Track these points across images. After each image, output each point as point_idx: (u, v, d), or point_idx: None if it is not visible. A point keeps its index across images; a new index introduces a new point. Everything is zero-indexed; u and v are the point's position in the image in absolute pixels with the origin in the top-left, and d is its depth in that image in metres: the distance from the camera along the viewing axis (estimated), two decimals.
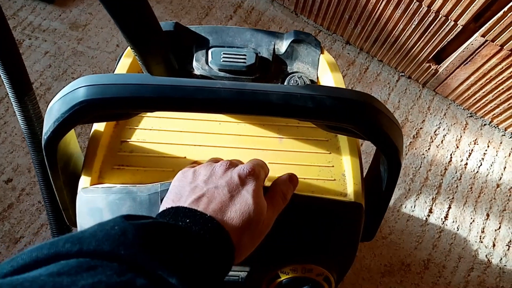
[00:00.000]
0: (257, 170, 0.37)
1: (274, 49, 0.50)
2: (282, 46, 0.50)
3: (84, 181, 0.44)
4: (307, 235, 0.42)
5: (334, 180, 0.46)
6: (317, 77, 0.50)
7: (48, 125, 0.38)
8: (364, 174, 0.50)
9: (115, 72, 0.48)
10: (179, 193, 0.35)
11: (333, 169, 0.47)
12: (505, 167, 1.17)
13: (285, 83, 0.49)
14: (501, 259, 1.07)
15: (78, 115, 0.36)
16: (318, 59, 0.50)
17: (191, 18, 1.30)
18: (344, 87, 0.49)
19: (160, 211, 0.34)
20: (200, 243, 0.29)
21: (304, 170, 0.46)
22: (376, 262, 1.04)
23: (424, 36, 1.09)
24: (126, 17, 0.35)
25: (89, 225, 0.42)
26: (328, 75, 0.49)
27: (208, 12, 1.31)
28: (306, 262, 0.42)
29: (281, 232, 0.41)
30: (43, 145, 0.40)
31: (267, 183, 0.44)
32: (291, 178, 0.40)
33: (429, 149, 1.18)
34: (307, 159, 0.47)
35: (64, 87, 0.38)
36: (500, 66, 1.02)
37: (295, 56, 0.50)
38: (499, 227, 1.10)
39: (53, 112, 0.38)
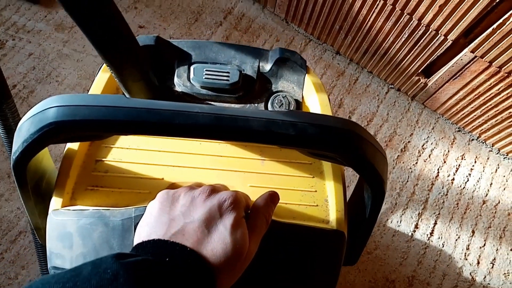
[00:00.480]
0: (238, 199, 0.36)
1: (258, 66, 0.48)
2: (267, 64, 0.48)
3: (55, 202, 0.42)
4: (287, 263, 0.40)
5: (317, 206, 0.44)
6: (302, 97, 0.48)
7: (16, 145, 0.36)
8: (348, 196, 0.49)
9: (91, 88, 0.46)
10: (156, 224, 0.34)
11: (316, 194, 0.45)
12: (491, 184, 1.17)
13: (269, 103, 0.47)
14: (485, 277, 1.07)
15: (47, 136, 0.34)
16: (304, 79, 0.48)
17: (180, 23, 1.28)
18: (330, 109, 0.48)
19: (136, 241, 0.33)
20: (184, 279, 0.29)
21: (286, 194, 0.45)
22: (360, 278, 1.03)
23: (414, 49, 1.08)
24: (96, 32, 0.33)
25: (59, 250, 0.40)
26: (313, 96, 0.48)
27: (197, 18, 1.29)
28: None
29: (261, 260, 0.40)
30: (11, 165, 0.38)
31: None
32: (272, 197, 0.39)
33: (416, 163, 1.17)
34: (290, 182, 0.45)
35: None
36: (488, 83, 1.02)
37: (280, 75, 0.48)
38: (484, 244, 1.10)
39: (22, 132, 0.36)
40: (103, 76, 0.47)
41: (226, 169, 0.45)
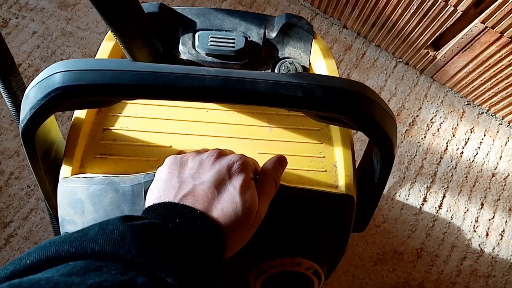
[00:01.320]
0: (247, 161, 0.36)
1: (264, 33, 0.47)
2: (273, 30, 0.48)
3: (65, 170, 0.42)
4: (296, 228, 0.41)
5: (325, 171, 0.44)
6: (310, 63, 0.48)
7: (24, 112, 0.36)
8: (357, 164, 0.49)
9: (96, 57, 0.46)
10: (166, 187, 0.34)
11: (324, 159, 0.45)
12: (501, 157, 1.16)
13: (276, 69, 0.47)
14: (493, 248, 1.07)
15: (54, 102, 0.34)
16: (311, 44, 0.48)
17: None
18: (338, 74, 0.47)
19: (147, 205, 0.34)
20: (192, 241, 0.29)
21: (294, 160, 0.44)
22: (368, 250, 1.04)
23: (423, 21, 1.06)
24: None
25: (70, 217, 0.40)
26: (321, 62, 0.47)
27: None
28: (294, 256, 0.41)
29: (269, 224, 0.40)
30: (20, 133, 0.38)
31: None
32: (280, 161, 0.39)
33: (425, 137, 1.16)
34: (298, 149, 0.45)
35: None
36: (499, 54, 1.00)
37: (286, 41, 0.48)
38: (493, 217, 1.10)
39: (29, 99, 0.36)
40: (108, 44, 0.46)
41: (233, 136, 0.45)
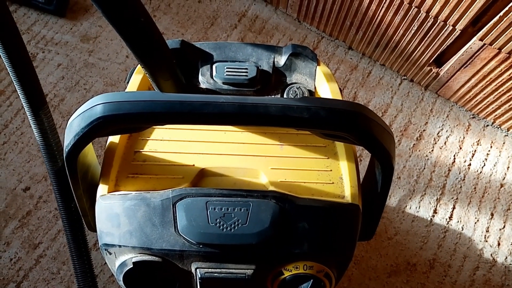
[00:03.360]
0: None
1: (274, 62, 0.53)
2: (281, 59, 0.54)
3: (102, 189, 0.48)
4: (308, 235, 0.45)
5: (332, 183, 0.49)
6: (315, 88, 0.54)
7: (69, 139, 0.42)
8: (363, 176, 0.54)
9: (127, 89, 0.52)
10: None
11: (331, 173, 0.50)
12: (508, 167, 1.19)
13: (285, 94, 0.53)
14: (506, 257, 1.09)
15: (96, 129, 0.40)
16: (315, 70, 0.53)
17: (197, 28, 1.34)
18: (340, 97, 0.53)
19: None
20: None
21: (304, 174, 0.50)
22: (382, 263, 1.07)
23: (424, 40, 1.11)
24: (137, 40, 0.39)
25: (108, 229, 0.46)
26: (324, 86, 0.53)
27: (213, 22, 1.35)
28: (307, 260, 0.45)
29: (285, 232, 0.45)
30: (64, 157, 0.44)
31: (271, 188, 0.48)
32: None
33: (432, 150, 1.20)
34: (307, 164, 0.50)
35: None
36: (499, 69, 1.05)
37: (293, 68, 0.54)
38: (504, 226, 1.12)
39: (73, 127, 0.42)
40: (137, 77, 0.53)
41: (249, 154, 0.51)
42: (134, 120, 0.39)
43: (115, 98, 0.40)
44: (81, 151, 0.43)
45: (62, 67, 1.27)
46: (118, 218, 0.45)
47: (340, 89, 0.56)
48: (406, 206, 1.13)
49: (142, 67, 0.44)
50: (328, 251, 0.46)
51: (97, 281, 0.71)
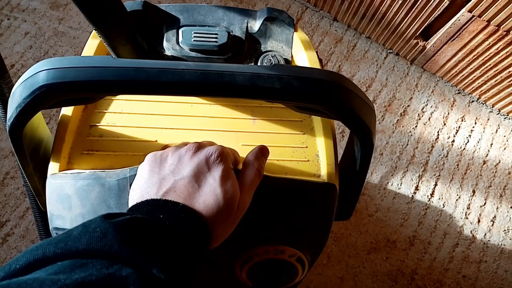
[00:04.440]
0: (225, 152, 0.37)
1: (247, 27, 0.48)
2: (255, 24, 0.48)
3: (53, 167, 0.43)
4: (279, 217, 0.42)
5: (308, 161, 0.45)
6: (292, 56, 0.49)
7: (11, 110, 0.37)
8: (341, 154, 0.50)
9: (82, 54, 0.47)
10: (147, 185, 0.35)
11: (306, 150, 0.46)
12: (491, 144, 1.18)
13: (259, 62, 0.48)
14: (485, 234, 1.08)
15: (39, 100, 0.35)
16: (292, 37, 0.48)
17: None
18: (318, 66, 0.48)
19: (130, 204, 0.34)
20: (177, 234, 0.30)
21: (277, 151, 0.46)
22: (362, 240, 1.05)
23: (411, 11, 1.07)
24: None
25: (59, 212, 0.41)
26: (302, 54, 0.48)
27: None
28: (278, 244, 0.42)
29: (253, 214, 0.41)
30: (7, 131, 0.39)
31: (240, 166, 0.44)
32: (262, 151, 0.40)
33: (416, 126, 1.17)
34: (281, 140, 0.46)
35: None
36: (487, 42, 1.01)
37: (268, 35, 0.49)
38: (484, 203, 1.11)
39: (15, 97, 0.37)
40: (93, 42, 0.47)
41: (218, 129, 0.46)
42: (82, 89, 0.34)
43: (61, 64, 0.35)
44: (25, 123, 0.38)
45: (30, 36, 1.19)
46: (69, 199, 0.40)
47: (320, 59, 0.52)
48: (388, 182, 1.11)
49: (95, 29, 0.38)
50: (301, 234, 0.42)
51: None
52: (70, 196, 0.40)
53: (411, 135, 1.16)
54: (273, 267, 0.42)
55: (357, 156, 0.43)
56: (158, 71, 0.34)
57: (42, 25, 1.21)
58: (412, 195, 1.11)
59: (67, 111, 0.45)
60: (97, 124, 0.45)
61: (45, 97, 0.35)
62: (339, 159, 0.49)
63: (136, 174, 0.38)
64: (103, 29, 0.39)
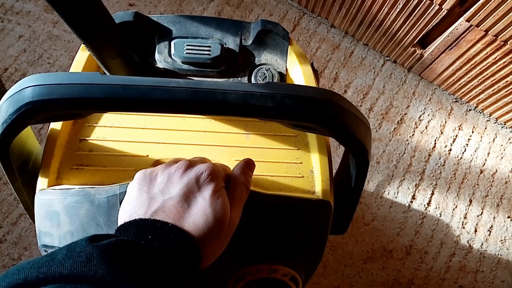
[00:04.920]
0: (216, 170, 0.36)
1: (241, 39, 0.47)
2: (249, 37, 0.48)
3: (42, 182, 0.42)
4: (272, 236, 0.41)
5: (302, 177, 0.45)
6: (286, 69, 0.48)
7: None
8: (336, 169, 0.49)
9: (71, 68, 0.46)
10: (136, 204, 0.34)
11: (301, 165, 0.45)
12: (489, 153, 1.17)
13: (253, 76, 0.47)
14: (482, 244, 1.08)
15: (26, 116, 0.34)
16: (287, 50, 0.48)
17: (170, 0, 1.25)
18: (313, 80, 0.47)
19: (119, 223, 0.34)
20: (165, 255, 0.29)
21: (271, 167, 0.45)
22: (358, 249, 1.05)
23: (409, 20, 1.06)
24: (68, 9, 0.33)
25: (47, 229, 0.41)
26: (297, 68, 0.47)
27: None
28: (271, 263, 0.41)
29: (247, 232, 0.40)
30: None
31: None
32: (248, 164, 0.39)
33: (413, 135, 1.17)
34: (275, 155, 0.45)
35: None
36: (485, 52, 1.00)
37: (263, 47, 0.48)
38: (481, 213, 1.11)
39: (1, 113, 0.36)
40: (83, 55, 0.46)
41: (211, 144, 0.45)
42: (69, 106, 0.34)
43: (48, 80, 0.34)
44: (12, 139, 0.37)
45: (24, 39, 1.18)
46: (58, 216, 0.39)
47: (315, 70, 0.51)
48: (384, 191, 1.10)
49: (82, 43, 0.37)
50: (295, 253, 0.41)
51: None
52: (58, 213, 0.39)
53: (408, 143, 1.15)
54: (266, 286, 0.41)
55: (352, 173, 0.42)
56: (148, 89, 0.33)
57: (36, 28, 1.20)
58: (409, 204, 1.10)
59: (56, 125, 0.44)
60: (87, 138, 0.44)
61: (31, 114, 0.34)
62: (334, 172, 0.48)
63: (126, 191, 0.37)
64: (90, 43, 0.38)
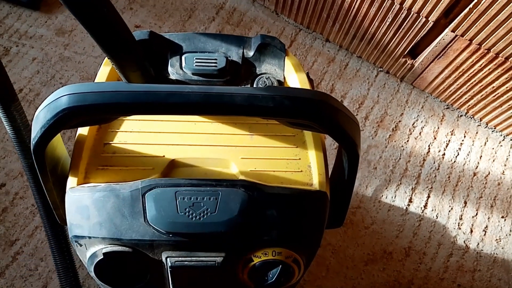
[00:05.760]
0: None
1: (243, 52, 0.54)
2: (250, 50, 0.54)
3: (72, 181, 0.48)
4: (276, 222, 0.46)
5: (301, 171, 0.50)
6: (284, 78, 0.54)
7: (35, 131, 0.42)
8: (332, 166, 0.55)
9: (96, 80, 0.52)
10: None
11: (299, 161, 0.51)
12: (481, 156, 1.22)
13: (254, 84, 0.53)
14: (478, 244, 1.12)
15: (62, 121, 0.40)
16: (284, 61, 0.54)
17: (174, 20, 1.33)
18: (308, 86, 0.53)
19: None
20: None
21: (273, 163, 0.50)
22: (359, 251, 1.09)
23: (399, 32, 1.13)
24: (100, 30, 0.39)
25: (78, 221, 0.46)
26: (293, 76, 0.53)
27: (191, 14, 1.35)
28: (276, 246, 0.46)
29: (253, 219, 0.45)
30: (32, 150, 0.44)
31: (241, 177, 0.48)
32: None
33: (408, 141, 1.22)
34: (276, 153, 0.51)
35: (52, 92, 0.42)
36: (470, 60, 1.07)
37: (262, 59, 0.54)
38: (476, 214, 1.15)
39: (39, 119, 0.41)
40: (105, 69, 0.53)
41: (219, 144, 0.51)
42: (99, 111, 0.39)
43: (80, 89, 0.40)
44: (48, 143, 0.43)
45: (37, 61, 1.25)
46: (87, 210, 0.45)
47: (310, 79, 0.57)
48: (382, 195, 1.15)
49: (108, 58, 0.44)
50: (296, 237, 0.47)
51: (78, 275, 0.71)
52: (88, 207, 0.45)
53: (403, 149, 1.21)
54: (272, 268, 0.47)
55: (345, 166, 0.48)
56: (167, 94, 0.39)
57: (49, 51, 1.27)
58: (406, 207, 1.15)
59: (83, 131, 0.50)
60: (110, 142, 0.50)
61: (67, 119, 0.40)
62: (330, 171, 0.54)
63: (147, 185, 0.43)
64: (116, 58, 0.44)
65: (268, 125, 0.53)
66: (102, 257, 0.45)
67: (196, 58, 0.52)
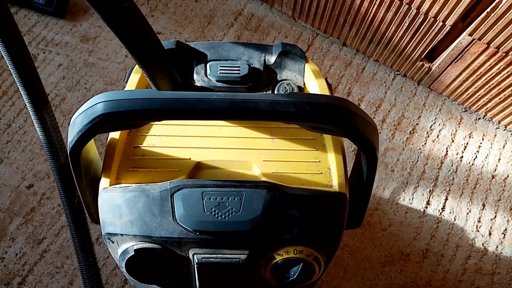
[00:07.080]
0: None
1: (264, 60, 0.56)
2: (272, 57, 0.57)
3: (104, 182, 0.51)
4: (297, 221, 0.48)
5: (321, 173, 0.52)
6: (304, 84, 0.57)
7: (72, 135, 0.45)
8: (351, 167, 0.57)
9: (126, 88, 0.55)
10: None
11: (319, 164, 0.53)
12: (499, 159, 1.22)
13: (276, 90, 0.56)
14: (497, 246, 1.12)
15: (98, 126, 0.43)
16: (304, 67, 0.56)
17: (194, 27, 1.37)
18: (327, 92, 0.56)
19: None
20: None
21: (294, 165, 0.53)
22: (376, 253, 1.10)
23: (415, 36, 1.14)
24: (135, 43, 0.42)
25: (110, 220, 0.49)
26: (313, 82, 0.56)
27: (210, 21, 1.38)
28: (297, 245, 0.48)
29: (276, 219, 0.48)
30: (68, 153, 0.47)
31: (263, 178, 0.51)
32: None
33: (425, 143, 1.23)
34: (297, 156, 0.53)
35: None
36: (488, 63, 1.07)
37: (283, 66, 0.57)
38: (495, 217, 1.15)
39: (76, 124, 0.45)
40: (135, 77, 0.56)
41: (242, 147, 0.54)
42: (133, 116, 0.42)
43: (115, 97, 0.43)
44: (83, 146, 0.46)
45: (63, 67, 1.30)
46: (119, 208, 0.48)
47: (329, 84, 0.59)
48: (399, 198, 1.16)
49: (140, 67, 0.47)
50: (317, 236, 0.49)
51: (100, 274, 0.75)
52: (120, 206, 0.48)
53: (421, 152, 1.22)
54: (293, 265, 0.49)
55: (364, 168, 0.50)
56: (195, 101, 0.42)
57: (74, 57, 1.32)
58: (424, 210, 1.15)
59: (114, 135, 0.53)
60: (140, 145, 0.54)
61: (102, 124, 0.43)
62: (349, 173, 0.56)
63: (175, 186, 0.45)
64: (147, 67, 0.48)
65: (288, 129, 0.55)
66: (133, 253, 0.48)
67: (220, 66, 0.54)
